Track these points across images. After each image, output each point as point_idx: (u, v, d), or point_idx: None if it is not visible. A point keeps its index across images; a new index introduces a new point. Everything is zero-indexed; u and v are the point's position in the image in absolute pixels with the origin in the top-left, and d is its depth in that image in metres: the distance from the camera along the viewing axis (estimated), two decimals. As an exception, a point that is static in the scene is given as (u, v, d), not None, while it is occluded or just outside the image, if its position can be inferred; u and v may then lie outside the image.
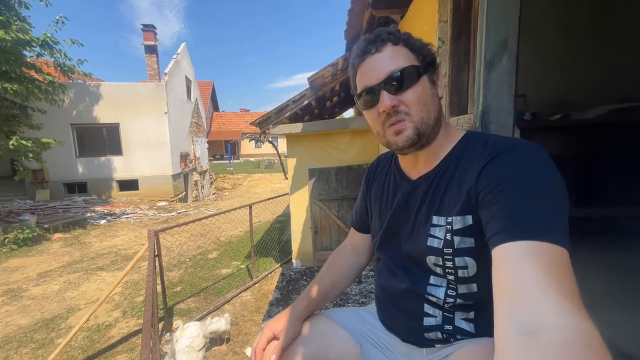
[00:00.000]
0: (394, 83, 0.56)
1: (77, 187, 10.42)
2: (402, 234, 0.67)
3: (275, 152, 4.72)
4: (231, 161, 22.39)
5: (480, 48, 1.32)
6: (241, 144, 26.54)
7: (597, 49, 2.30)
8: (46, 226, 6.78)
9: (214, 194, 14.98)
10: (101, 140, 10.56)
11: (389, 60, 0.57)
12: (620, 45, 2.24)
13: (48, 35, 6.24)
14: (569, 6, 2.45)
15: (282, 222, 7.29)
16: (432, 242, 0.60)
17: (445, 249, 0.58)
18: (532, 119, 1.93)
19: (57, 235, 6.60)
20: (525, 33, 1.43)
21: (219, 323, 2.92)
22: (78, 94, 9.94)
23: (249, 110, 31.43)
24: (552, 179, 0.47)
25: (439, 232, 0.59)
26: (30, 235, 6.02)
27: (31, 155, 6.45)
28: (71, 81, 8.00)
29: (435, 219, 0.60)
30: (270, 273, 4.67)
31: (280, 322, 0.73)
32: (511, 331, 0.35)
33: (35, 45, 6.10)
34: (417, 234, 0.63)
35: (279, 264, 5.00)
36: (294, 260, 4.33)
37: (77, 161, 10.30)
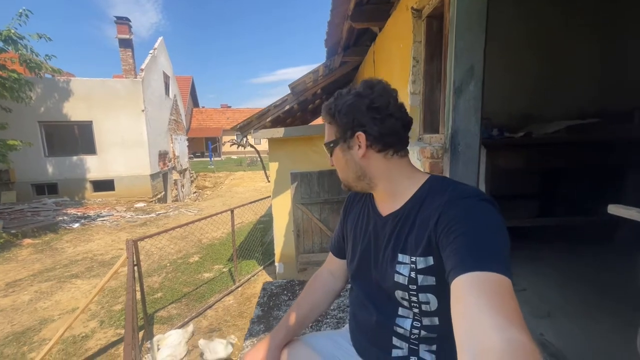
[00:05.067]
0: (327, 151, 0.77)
1: (47, 188, 9.88)
2: (373, 268, 0.74)
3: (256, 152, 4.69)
4: (212, 159, 21.94)
5: (449, 74, 1.40)
6: (223, 141, 26.01)
7: (556, 70, 2.52)
8: (14, 231, 6.42)
9: (195, 192, 14.65)
10: (73, 138, 10.04)
11: (325, 134, 0.77)
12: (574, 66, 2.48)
13: (12, 30, 5.84)
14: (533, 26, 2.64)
15: (265, 223, 7.28)
16: (398, 278, 0.66)
17: (410, 285, 0.65)
18: (498, 134, 2.08)
19: (27, 241, 6.27)
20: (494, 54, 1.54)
21: (219, 346, 2.76)
22: (46, 89, 9.38)
23: (230, 107, 30.80)
24: (494, 222, 0.56)
25: (403, 269, 0.66)
26: (-4, 242, 5.70)
27: (-5, 158, 6.07)
28: (38, 77, 7.54)
29: (401, 257, 0.67)
30: (253, 276, 4.69)
31: (260, 352, 0.78)
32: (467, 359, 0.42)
33: (-4, 40, 5.72)
34: (386, 269, 0.70)
35: (262, 267, 5.02)
36: (276, 264, 4.36)
37: (46, 161, 9.76)
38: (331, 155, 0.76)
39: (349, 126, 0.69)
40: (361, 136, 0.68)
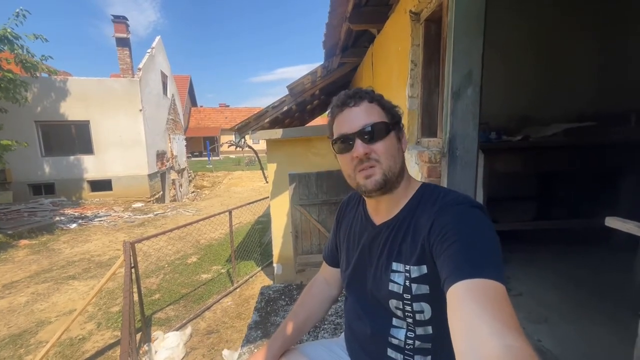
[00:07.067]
0: (367, 134, 0.64)
1: (44, 189, 9.82)
2: (367, 277, 0.73)
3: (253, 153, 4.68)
4: (210, 158, 21.89)
5: (447, 78, 1.40)
6: (221, 141, 25.94)
7: (555, 70, 2.51)
8: (10, 232, 6.37)
9: (193, 192, 14.60)
10: (70, 138, 9.97)
11: (365, 114, 0.65)
12: (574, 66, 2.48)
13: (8, 30, 5.79)
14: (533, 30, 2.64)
15: (263, 223, 7.27)
16: (393, 287, 0.66)
17: (404, 294, 0.65)
18: (496, 138, 2.08)
19: (23, 241, 6.23)
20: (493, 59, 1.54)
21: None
22: (43, 89, 9.31)
23: (228, 106, 30.68)
24: (486, 229, 0.56)
25: (398, 278, 0.66)
26: (-8, 243, 5.66)
27: (-10, 158, 6.02)
28: (34, 77, 7.48)
29: (395, 265, 0.67)
30: (251, 277, 4.68)
31: None
32: None
33: (-8, 40, 5.66)
34: (380, 278, 0.69)
35: (260, 268, 5.02)
36: (274, 265, 4.35)
37: (43, 161, 9.69)
38: (381, 139, 0.65)
39: (397, 116, 0.68)
40: (405, 134, 0.70)
